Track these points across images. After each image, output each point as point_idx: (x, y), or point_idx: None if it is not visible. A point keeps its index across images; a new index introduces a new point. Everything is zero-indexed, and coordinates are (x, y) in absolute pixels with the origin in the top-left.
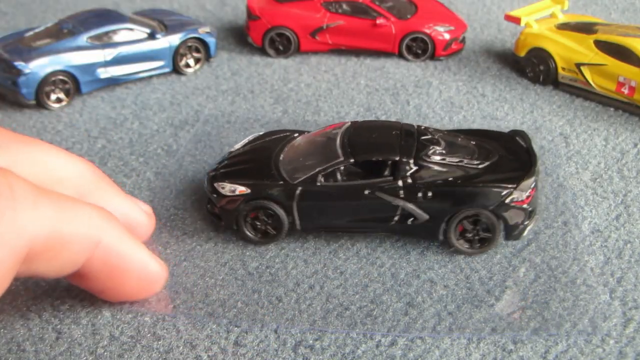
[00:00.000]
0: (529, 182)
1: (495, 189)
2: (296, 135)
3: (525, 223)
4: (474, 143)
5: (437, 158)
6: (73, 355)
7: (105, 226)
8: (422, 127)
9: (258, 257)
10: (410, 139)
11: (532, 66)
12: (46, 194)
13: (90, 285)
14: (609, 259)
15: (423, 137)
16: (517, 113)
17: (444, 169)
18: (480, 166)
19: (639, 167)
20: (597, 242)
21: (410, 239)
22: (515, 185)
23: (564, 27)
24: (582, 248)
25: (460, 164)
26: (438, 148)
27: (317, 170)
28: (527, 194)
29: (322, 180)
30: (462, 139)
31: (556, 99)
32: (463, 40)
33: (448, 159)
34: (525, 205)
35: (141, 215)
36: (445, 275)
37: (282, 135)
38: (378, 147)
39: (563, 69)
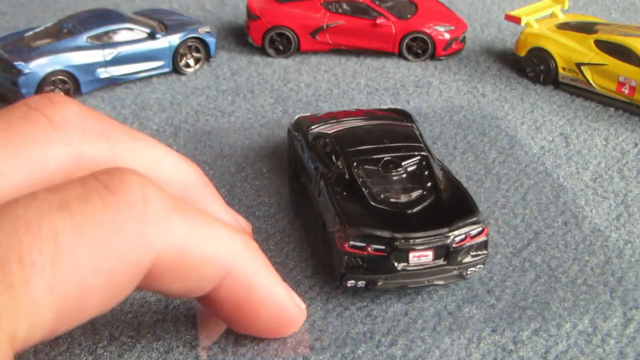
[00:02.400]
0: None
1: None
2: None
3: None
4: None
5: None
6: (73, 355)
7: (242, 254)
8: None
9: None
10: None
11: (532, 66)
12: (182, 209)
13: (218, 314)
14: (609, 259)
15: None
16: (518, 113)
17: None
18: None
19: (639, 166)
20: (597, 242)
21: None
22: None
23: (564, 26)
24: (582, 248)
25: None
26: None
27: None
28: None
29: None
30: None
31: (556, 98)
32: (463, 40)
33: None
34: None
35: (241, 223)
36: None
37: None
38: None
39: (563, 68)
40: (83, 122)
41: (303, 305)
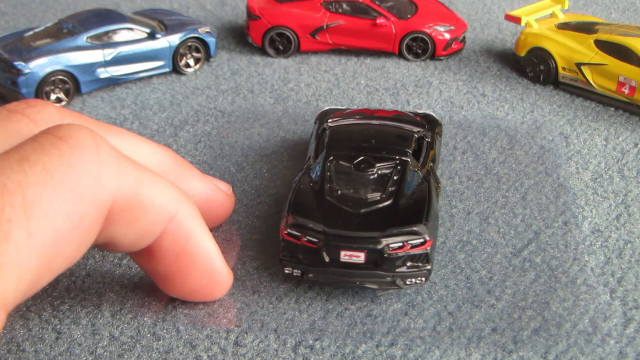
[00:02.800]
0: None
1: None
2: None
3: None
4: None
5: None
6: (73, 355)
7: (182, 202)
8: None
9: (258, 257)
10: None
11: (532, 66)
12: (129, 159)
13: (156, 268)
14: (609, 259)
15: None
16: (518, 113)
17: None
18: None
19: (639, 166)
20: (597, 242)
21: None
22: None
23: (564, 26)
24: (582, 248)
25: None
26: None
27: None
28: None
29: None
30: None
31: (556, 98)
32: (463, 40)
33: None
34: None
35: (221, 195)
36: (446, 275)
37: None
38: None
39: (563, 68)
40: (62, 119)
41: (231, 275)
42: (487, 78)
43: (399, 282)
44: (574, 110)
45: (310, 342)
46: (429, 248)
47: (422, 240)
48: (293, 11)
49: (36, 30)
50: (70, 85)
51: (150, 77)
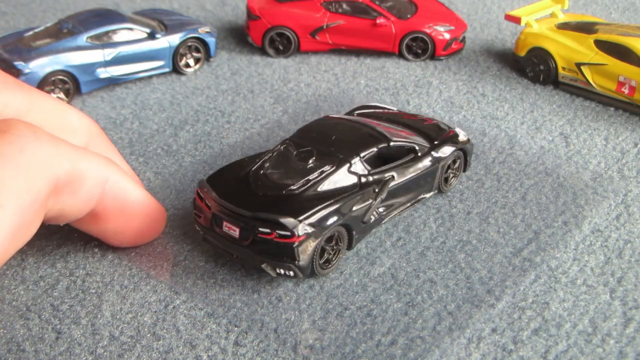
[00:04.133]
0: None
1: None
2: None
3: None
4: None
5: None
6: (73, 355)
7: (110, 166)
8: None
9: None
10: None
11: (532, 66)
12: (63, 140)
13: (107, 227)
14: (609, 259)
15: None
16: (518, 113)
17: None
18: None
19: (639, 166)
20: (597, 242)
21: (410, 239)
22: None
23: (564, 26)
24: (582, 248)
25: None
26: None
27: None
28: None
29: None
30: None
31: (556, 98)
32: (463, 40)
33: None
34: None
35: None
36: (446, 275)
37: None
38: None
39: (563, 68)
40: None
41: (161, 205)
42: (487, 78)
43: (266, 267)
44: (574, 110)
45: (310, 341)
46: (296, 244)
47: (288, 234)
48: (293, 11)
49: (36, 30)
50: (70, 85)
51: (150, 77)
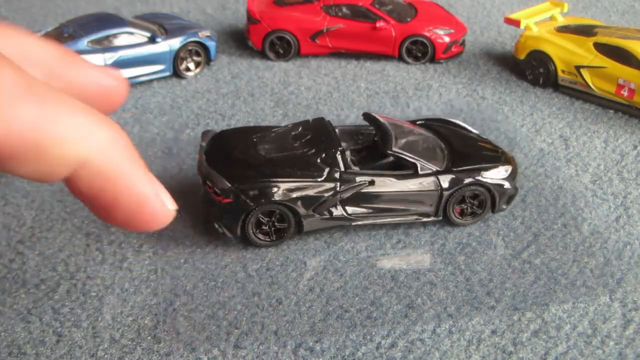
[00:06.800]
0: None
1: None
2: None
3: None
4: None
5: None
6: (74, 358)
7: (102, 144)
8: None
9: (258, 260)
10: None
11: (532, 69)
12: (38, 90)
13: (79, 197)
14: (608, 261)
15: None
16: (517, 115)
17: None
18: None
19: (639, 169)
20: (596, 244)
21: (410, 241)
22: None
23: (563, 29)
24: (581, 250)
25: None
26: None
27: None
28: None
29: None
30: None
31: (556, 101)
32: (463, 43)
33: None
34: None
35: (111, 81)
36: (446, 277)
37: None
38: None
39: (563, 71)
40: None
41: (172, 207)
42: (487, 81)
43: (212, 220)
44: (574, 113)
45: (310, 344)
46: (223, 203)
47: (217, 192)
48: (293, 15)
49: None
50: None
51: (151, 80)
